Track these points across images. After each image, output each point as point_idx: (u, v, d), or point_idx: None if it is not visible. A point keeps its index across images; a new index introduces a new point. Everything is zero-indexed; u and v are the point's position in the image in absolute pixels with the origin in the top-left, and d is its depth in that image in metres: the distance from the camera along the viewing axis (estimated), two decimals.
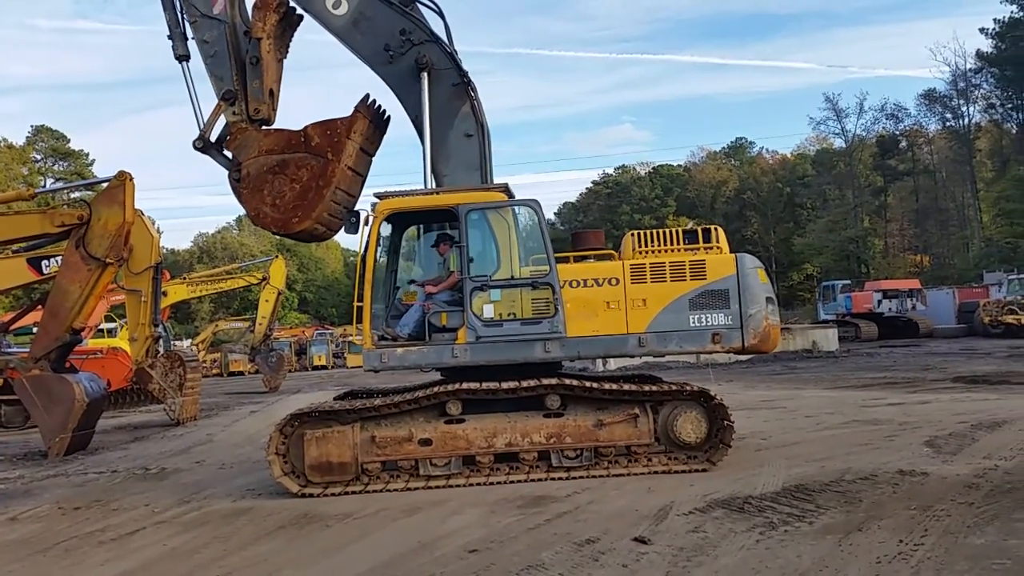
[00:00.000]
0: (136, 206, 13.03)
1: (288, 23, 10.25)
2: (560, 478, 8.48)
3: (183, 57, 10.29)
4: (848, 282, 46.70)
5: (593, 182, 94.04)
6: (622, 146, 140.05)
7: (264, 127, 9.88)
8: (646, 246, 9.20)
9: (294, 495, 8.38)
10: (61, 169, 65.40)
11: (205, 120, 9.85)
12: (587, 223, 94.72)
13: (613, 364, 26.50)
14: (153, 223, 13.49)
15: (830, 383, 18.16)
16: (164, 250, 15.69)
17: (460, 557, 5.99)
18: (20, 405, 15.38)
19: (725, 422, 8.57)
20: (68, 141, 66.26)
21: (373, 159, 10.22)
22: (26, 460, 12.78)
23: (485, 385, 8.65)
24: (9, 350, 17.40)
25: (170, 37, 10.30)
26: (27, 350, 13.66)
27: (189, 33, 10.20)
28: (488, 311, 8.82)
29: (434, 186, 9.62)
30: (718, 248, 9.16)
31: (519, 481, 8.44)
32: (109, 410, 17.86)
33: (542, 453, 8.72)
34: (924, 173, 67.14)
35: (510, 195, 9.43)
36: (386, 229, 9.74)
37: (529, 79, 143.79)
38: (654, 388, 8.84)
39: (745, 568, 5.35)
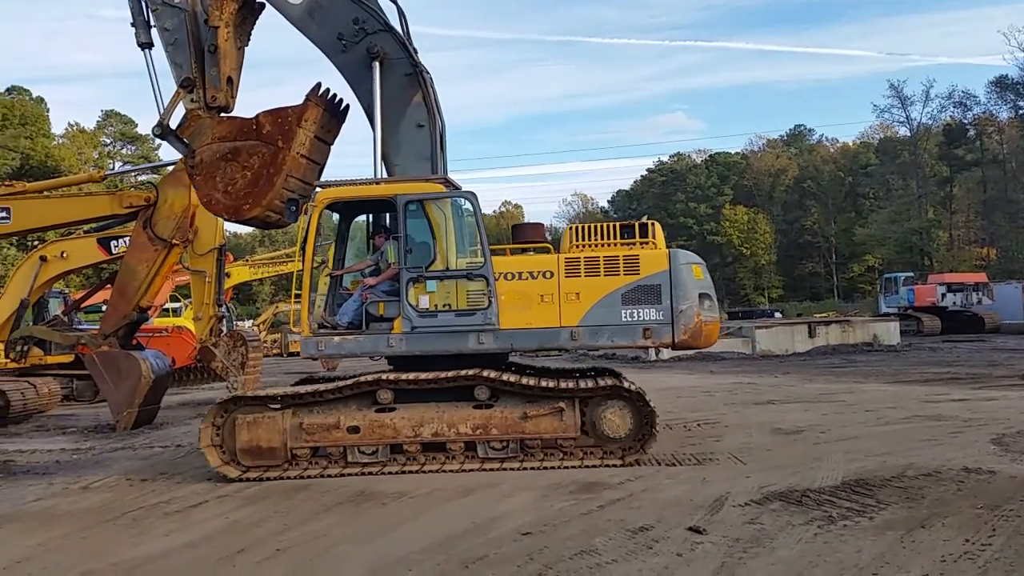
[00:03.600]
0: None
1: (248, 11, 10.34)
2: (490, 469, 8.49)
3: (146, 45, 10.43)
4: (911, 275, 45.33)
5: (648, 170, 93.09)
6: (674, 134, 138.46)
7: (223, 114, 9.99)
8: (583, 240, 9.21)
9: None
10: (129, 153, 67.27)
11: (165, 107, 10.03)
12: (641, 211, 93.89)
13: (665, 353, 26.32)
14: None
15: (891, 377, 17.72)
16: (227, 233, 16.03)
17: (513, 539, 6.04)
18: (90, 380, 15.98)
19: (655, 417, 8.60)
20: (136, 126, 68.06)
21: (331, 147, 10.28)
22: (96, 432, 13.31)
23: (410, 376, 8.70)
24: (80, 327, 18.04)
25: (133, 24, 10.42)
26: (97, 327, 14.13)
27: (152, 21, 10.31)
28: (424, 302, 8.89)
29: (385, 175, 9.65)
30: (653, 244, 9.12)
31: (451, 471, 8.46)
32: (174, 387, 18.43)
33: (471, 444, 8.75)
34: (993, 163, 64.63)
35: (452, 187, 9.40)
36: (333, 219, 9.89)
37: (580, 67, 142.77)
38: (577, 384, 8.81)
39: (803, 561, 5.28)
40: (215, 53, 9.91)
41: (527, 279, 8.86)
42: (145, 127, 63.28)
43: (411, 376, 8.69)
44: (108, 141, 67.62)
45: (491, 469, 8.46)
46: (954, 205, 66.59)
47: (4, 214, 13.23)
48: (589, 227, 9.33)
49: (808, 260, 79.50)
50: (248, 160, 9.65)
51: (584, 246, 9.14)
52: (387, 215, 9.79)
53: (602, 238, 9.16)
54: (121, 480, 9.00)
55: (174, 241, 12.72)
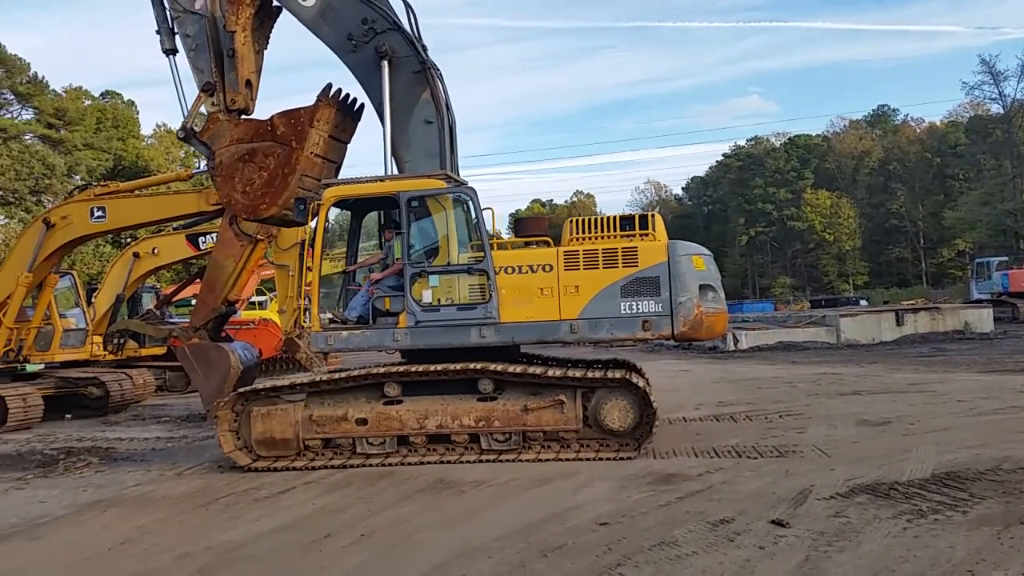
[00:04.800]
0: None
1: (266, 15, 10.60)
2: (491, 460, 8.50)
3: (170, 51, 10.78)
4: (1005, 259, 43.13)
5: (723, 155, 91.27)
6: (749, 118, 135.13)
7: (243, 116, 10.28)
8: (583, 233, 9.16)
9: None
10: None
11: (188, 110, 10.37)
12: (717, 197, 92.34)
13: (744, 343, 25.83)
14: None
15: (984, 366, 16.95)
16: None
17: (591, 529, 6.06)
18: (182, 371, 16.65)
19: (654, 411, 8.46)
20: None
21: (348, 145, 10.50)
22: (188, 422, 13.89)
23: (416, 368, 8.78)
24: (171, 320, 18.85)
25: (158, 32, 10.76)
26: (187, 320, 14.73)
27: (175, 28, 10.64)
28: (427, 296, 8.98)
29: (395, 171, 9.72)
30: (653, 235, 8.99)
31: (451, 462, 8.54)
32: (261, 377, 19.06)
33: (475, 436, 8.76)
34: None
35: (454, 183, 9.39)
36: (343, 216, 9.97)
37: (652, 52, 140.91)
38: (580, 375, 8.70)
39: (891, 556, 5.14)
40: (233, 57, 10.24)
41: (527, 273, 8.91)
42: None
43: (414, 369, 8.82)
44: None
45: (490, 461, 8.52)
46: None
47: (100, 213, 13.90)
48: (588, 220, 9.32)
49: (895, 245, 76.67)
50: (264, 161, 9.96)
51: (584, 239, 9.13)
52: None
53: (602, 231, 9.14)
54: (213, 467, 9.38)
55: (259, 237, 13.13)
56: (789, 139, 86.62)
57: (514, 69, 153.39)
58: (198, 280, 15.95)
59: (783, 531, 5.74)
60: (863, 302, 48.85)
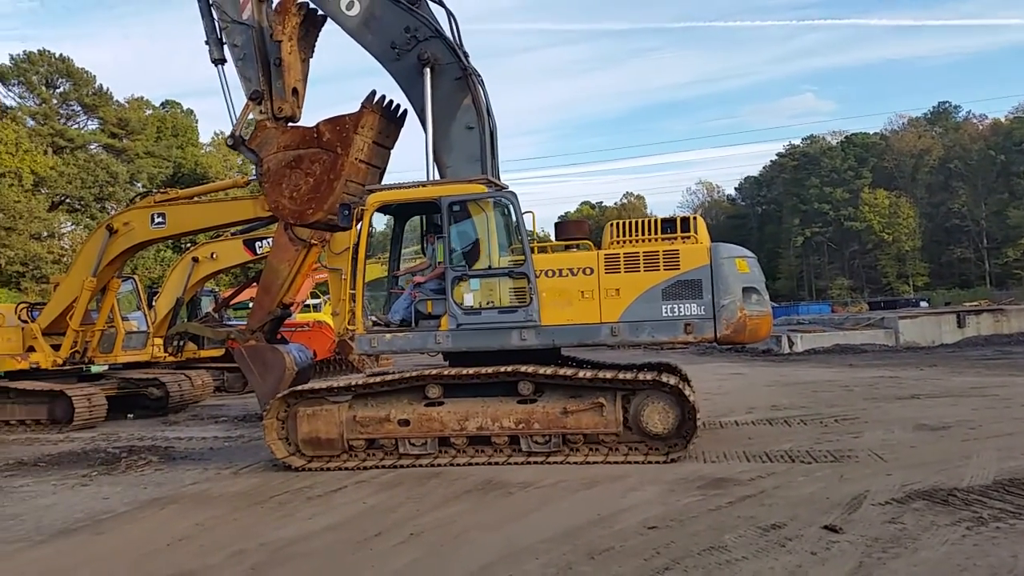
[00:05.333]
0: None
1: (311, 23, 10.73)
2: (530, 463, 8.50)
3: (219, 61, 11.01)
4: None
5: (778, 154, 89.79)
6: (802, 117, 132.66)
7: (290, 124, 10.44)
8: (624, 236, 9.11)
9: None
10: None
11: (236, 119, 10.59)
12: (771, 197, 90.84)
13: (800, 346, 25.37)
14: None
15: None
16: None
17: (639, 533, 6.03)
18: (239, 372, 17.06)
19: (695, 413, 8.37)
20: None
21: (391, 151, 10.62)
22: (245, 422, 14.20)
23: (456, 371, 8.85)
24: (229, 323, 19.29)
25: (207, 42, 10.99)
26: (244, 323, 15.06)
27: (223, 38, 10.85)
28: (468, 299, 9.00)
29: (437, 176, 9.79)
30: (695, 238, 8.89)
31: (494, 463, 8.57)
32: (315, 378, 19.38)
33: (515, 437, 8.76)
34: None
35: (495, 187, 9.38)
36: (388, 222, 10.25)
37: (702, 53, 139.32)
38: (612, 376, 8.60)
39: (949, 564, 5.01)
40: (280, 66, 10.44)
41: (567, 276, 8.89)
42: None
43: (452, 372, 8.92)
44: None
45: (529, 463, 8.54)
46: None
47: (160, 219, 14.29)
48: (630, 223, 9.27)
49: (956, 245, 74.48)
50: (310, 167, 10.17)
51: (625, 242, 9.10)
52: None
53: (643, 234, 9.09)
54: (268, 466, 9.57)
55: (312, 241, 13.38)
56: (846, 138, 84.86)
57: (563, 72, 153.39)
58: (255, 284, 16.28)
59: (836, 537, 5.64)
60: (923, 304, 47.57)
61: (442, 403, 9.04)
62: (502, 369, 8.75)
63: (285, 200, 10.31)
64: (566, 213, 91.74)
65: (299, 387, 9.60)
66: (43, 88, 53.61)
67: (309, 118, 10.87)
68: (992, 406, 11.54)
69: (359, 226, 9.46)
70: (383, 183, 10.35)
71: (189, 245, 30.64)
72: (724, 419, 11.32)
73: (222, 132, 68.13)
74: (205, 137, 66.11)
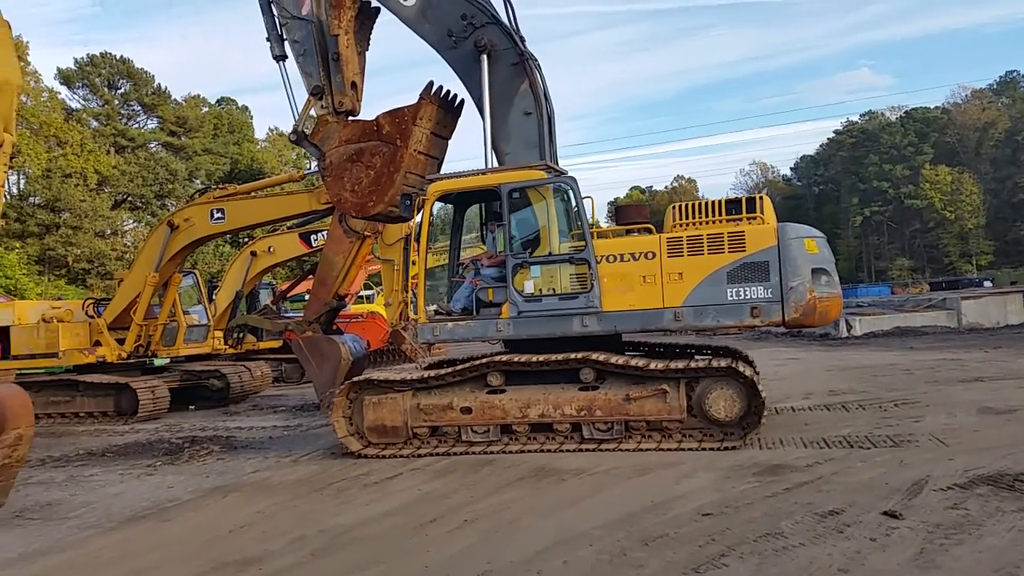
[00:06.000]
0: None
1: (366, 16, 10.79)
2: (591, 450, 8.42)
3: (280, 57, 11.07)
4: None
5: (835, 131, 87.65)
6: (858, 92, 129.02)
7: (350, 118, 10.51)
8: (687, 219, 8.89)
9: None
10: None
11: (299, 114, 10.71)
12: (828, 177, 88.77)
13: (858, 329, 24.80)
14: None
15: None
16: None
17: (694, 520, 5.99)
18: (297, 363, 17.43)
19: (762, 401, 8.16)
20: None
21: (448, 140, 10.61)
22: (302, 411, 14.49)
23: (519, 358, 8.82)
24: (286, 315, 19.68)
25: (268, 39, 11.07)
26: (301, 314, 15.35)
27: (284, 34, 10.93)
28: (528, 287, 8.94)
29: (495, 164, 9.70)
30: (761, 219, 8.61)
31: (552, 451, 8.54)
32: (369, 367, 19.68)
33: (577, 424, 8.69)
34: None
35: (555, 172, 9.24)
36: (446, 210, 10.18)
37: (754, 29, 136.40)
38: (682, 365, 8.46)
39: (1015, 550, 4.87)
40: (338, 60, 10.54)
41: (629, 261, 8.79)
42: None
43: (517, 359, 8.92)
44: None
45: (591, 450, 8.49)
46: None
47: (220, 215, 14.63)
48: (692, 205, 9.09)
49: (1023, 222, 71.72)
50: (371, 160, 10.23)
51: (688, 225, 8.92)
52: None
53: (707, 215, 8.89)
54: (326, 454, 9.76)
55: (366, 233, 13.56)
56: (906, 112, 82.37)
57: (612, 55, 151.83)
58: (311, 276, 16.58)
59: (896, 523, 5.53)
60: (988, 283, 46.04)
61: (504, 391, 9.09)
62: (570, 356, 8.74)
63: (347, 193, 10.43)
64: (616, 199, 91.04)
65: (366, 376, 9.73)
66: (105, 90, 55.28)
67: (368, 111, 11.02)
68: None
69: (420, 215, 9.56)
70: (442, 173, 10.42)
71: (247, 240, 31.30)
72: (780, 404, 11.16)
73: (277, 128, 69.52)
74: (260, 133, 67.52)
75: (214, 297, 19.26)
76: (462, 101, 10.58)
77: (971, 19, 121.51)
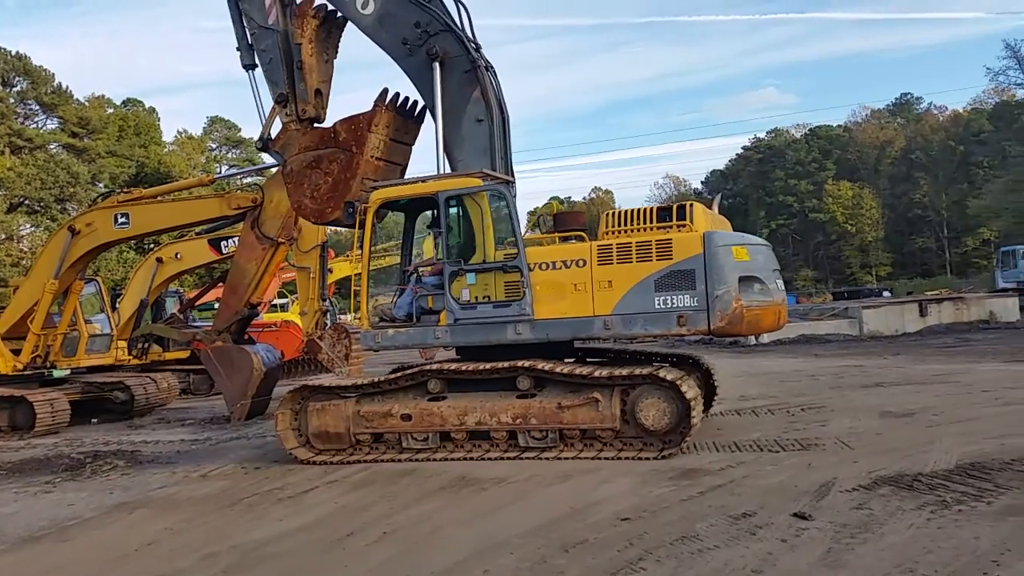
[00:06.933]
0: None
1: (333, 25, 10.93)
2: (528, 458, 8.45)
3: (249, 66, 11.21)
4: None
5: (743, 147, 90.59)
6: (765, 111, 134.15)
7: (315, 125, 10.62)
8: (619, 226, 8.90)
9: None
10: (234, 156, 70.18)
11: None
12: (737, 191, 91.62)
13: (765, 337, 25.64)
14: None
15: (1010, 356, 16.74)
16: (329, 231, 16.63)
17: (613, 524, 6.06)
18: (206, 374, 16.86)
19: (690, 408, 8.15)
20: (240, 130, 70.90)
21: (412, 147, 10.79)
22: (211, 424, 14.02)
23: (457, 366, 8.91)
24: (195, 324, 19.03)
25: (238, 49, 11.20)
26: (210, 324, 14.87)
27: (252, 44, 11.06)
28: (464, 294, 8.98)
29: (448, 171, 9.83)
30: (689, 226, 8.59)
31: (491, 459, 8.55)
32: (283, 378, 19.18)
33: (513, 433, 8.74)
34: None
35: (493, 180, 9.32)
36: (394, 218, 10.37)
37: (667, 47, 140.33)
38: (616, 373, 8.48)
39: (915, 547, 5.10)
40: (302, 69, 10.59)
41: (560, 268, 8.77)
42: (248, 132, 66.30)
43: (448, 368, 8.98)
44: (214, 146, 70.77)
45: (528, 458, 8.49)
46: None
47: (124, 219, 14.08)
48: (625, 212, 9.06)
49: (918, 235, 75.74)
50: (329, 166, 10.32)
51: (620, 232, 8.87)
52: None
53: (638, 223, 8.85)
54: (237, 468, 9.47)
55: (280, 239, 13.28)
56: (810, 130, 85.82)
57: (533, 67, 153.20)
58: (221, 284, 16.10)
59: (805, 524, 5.72)
60: (886, 293, 48.29)
61: (445, 398, 9.03)
62: (500, 364, 8.72)
63: (307, 200, 10.48)
64: (535, 208, 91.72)
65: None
66: None
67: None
68: (954, 392, 11.77)
69: (376, 222, 9.58)
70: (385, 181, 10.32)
71: (153, 246, 30.17)
72: None
73: (186, 130, 67.42)
74: (169, 136, 65.21)
75: (118, 305, 18.43)
76: (423, 108, 10.55)
77: (868, 45, 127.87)
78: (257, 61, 11.11)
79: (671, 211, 8.87)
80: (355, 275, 9.99)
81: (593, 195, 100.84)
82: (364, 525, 6.57)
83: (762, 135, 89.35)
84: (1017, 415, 9.47)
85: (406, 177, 10.11)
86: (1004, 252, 42.75)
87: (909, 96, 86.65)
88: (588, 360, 10.17)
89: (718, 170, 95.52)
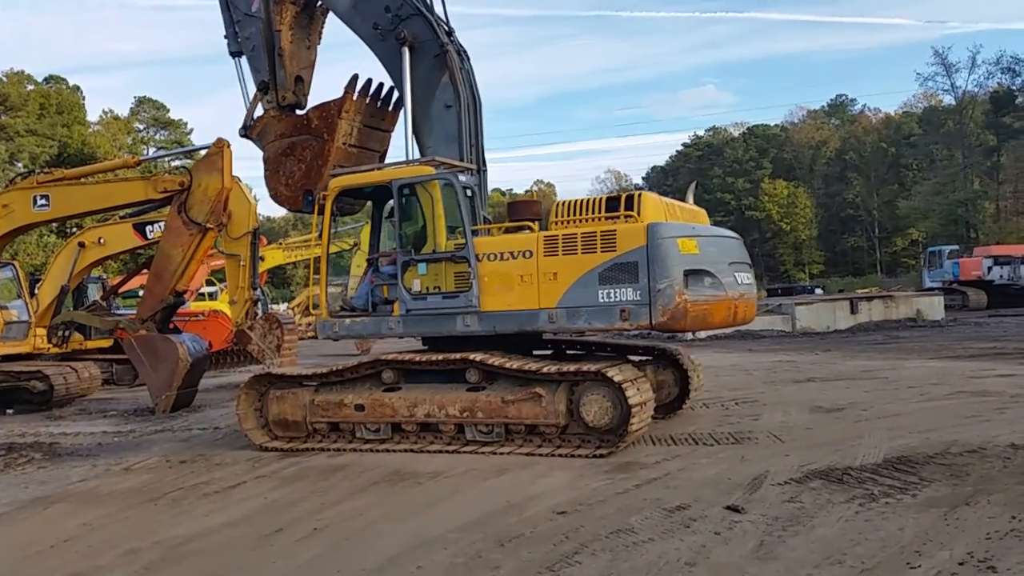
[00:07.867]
0: (234, 173, 13.47)
1: (315, 11, 10.93)
2: (475, 452, 8.37)
3: (236, 54, 11.19)
4: (956, 248, 44.35)
5: (683, 144, 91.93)
6: (704, 108, 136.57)
7: (296, 112, 10.61)
8: (568, 216, 8.62)
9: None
10: (162, 138, 68.30)
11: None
12: (677, 187, 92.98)
13: (702, 332, 26.04)
14: (250, 190, 13.87)
15: (935, 353, 17.34)
16: (261, 217, 16.26)
17: (549, 518, 6.01)
18: (129, 364, 16.24)
19: (631, 408, 7.90)
20: (168, 111, 69.07)
21: (389, 133, 10.76)
22: (135, 415, 13.50)
23: (410, 356, 8.89)
24: (118, 312, 18.34)
25: (225, 36, 11.21)
26: (134, 312, 14.36)
27: (238, 32, 11.06)
28: (416, 285, 8.92)
29: (418, 157, 9.76)
30: (636, 218, 8.22)
31: (438, 452, 8.50)
32: (211, 370, 18.68)
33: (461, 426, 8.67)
34: None
35: (448, 167, 9.19)
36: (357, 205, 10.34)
37: (610, 41, 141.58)
38: (564, 369, 8.27)
39: (843, 539, 5.17)
40: (282, 56, 10.58)
41: (508, 259, 8.54)
42: (177, 112, 64.42)
43: (397, 358, 8.89)
44: (141, 127, 68.71)
45: (473, 452, 8.40)
46: (1001, 175, 64.60)
47: (44, 201, 13.50)
48: (575, 202, 8.72)
49: (850, 234, 78.05)
50: (302, 153, 10.27)
51: (569, 222, 8.56)
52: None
53: (587, 213, 8.55)
54: (161, 461, 9.14)
55: (208, 225, 12.90)
56: (747, 129, 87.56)
57: (478, 56, 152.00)
58: (146, 270, 15.58)
59: (738, 517, 5.75)
60: (819, 291, 49.63)
61: (398, 389, 8.90)
62: (451, 356, 8.60)
63: (282, 187, 10.39)
64: None
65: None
66: None
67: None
68: (882, 388, 12.09)
69: (333, 211, 9.42)
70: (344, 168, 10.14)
71: (75, 229, 28.97)
72: None
73: (112, 110, 65.24)
74: (93, 115, 62.95)
75: (36, 291, 17.59)
76: (400, 96, 10.33)
77: (805, 46, 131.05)
78: (242, 49, 11.08)
79: (619, 201, 8.52)
80: (314, 260, 9.80)
81: (535, 188, 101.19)
82: (293, 521, 6.37)
83: (701, 133, 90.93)
84: (941, 410, 9.76)
85: (365, 165, 9.90)
86: (931, 252, 44.39)
87: (844, 98, 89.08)
88: (568, 353, 10.12)
89: (659, 166, 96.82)
